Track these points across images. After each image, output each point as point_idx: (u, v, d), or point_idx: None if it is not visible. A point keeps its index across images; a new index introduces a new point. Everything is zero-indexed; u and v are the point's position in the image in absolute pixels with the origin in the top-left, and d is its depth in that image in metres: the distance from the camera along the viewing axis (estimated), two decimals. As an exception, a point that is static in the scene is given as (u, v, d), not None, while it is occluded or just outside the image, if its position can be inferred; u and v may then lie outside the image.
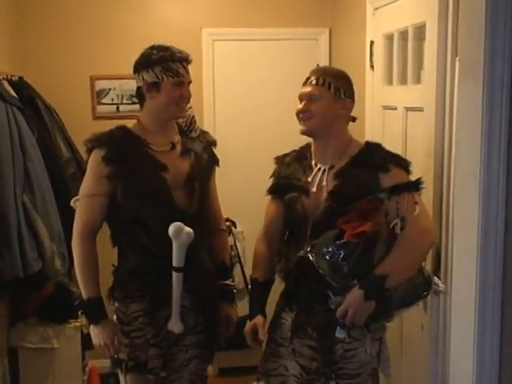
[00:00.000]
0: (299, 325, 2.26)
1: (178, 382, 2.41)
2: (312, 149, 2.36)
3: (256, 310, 2.34)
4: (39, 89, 3.49)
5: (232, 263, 4.11)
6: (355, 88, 2.36)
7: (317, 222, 2.20)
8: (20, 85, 3.30)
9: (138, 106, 2.47)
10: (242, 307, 2.77)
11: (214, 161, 2.57)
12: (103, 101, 3.95)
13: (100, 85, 3.93)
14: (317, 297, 2.19)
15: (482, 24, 1.58)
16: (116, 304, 2.38)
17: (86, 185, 2.33)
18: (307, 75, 2.32)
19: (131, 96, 3.82)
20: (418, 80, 2.73)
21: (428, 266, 2.56)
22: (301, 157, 2.37)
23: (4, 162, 2.88)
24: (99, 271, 2.34)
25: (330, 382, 2.24)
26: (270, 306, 2.42)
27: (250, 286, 2.47)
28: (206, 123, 3.98)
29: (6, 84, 3.14)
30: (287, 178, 2.34)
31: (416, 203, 2.12)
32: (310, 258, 2.10)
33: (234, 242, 3.91)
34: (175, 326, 2.31)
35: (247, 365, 4.16)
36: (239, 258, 3.98)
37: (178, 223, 2.26)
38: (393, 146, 2.91)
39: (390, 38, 3.01)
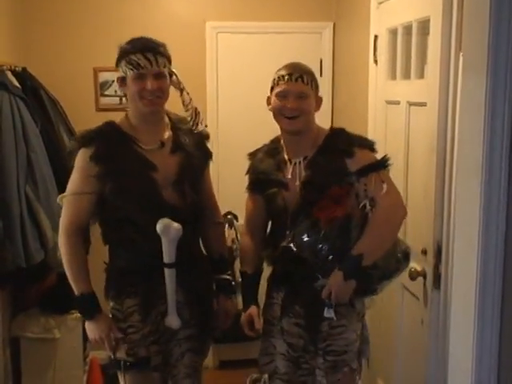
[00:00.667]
0: (288, 304, 2.36)
1: (177, 377, 2.41)
2: (283, 143, 2.40)
3: (249, 301, 2.45)
4: (42, 80, 3.49)
5: (234, 256, 4.12)
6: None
7: (295, 213, 2.29)
8: (23, 75, 3.30)
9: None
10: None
11: (208, 155, 2.52)
12: (106, 93, 3.95)
13: (103, 76, 3.93)
14: (303, 278, 2.29)
15: (486, 19, 1.58)
16: (111, 303, 2.35)
17: (74, 183, 2.29)
18: (281, 72, 2.32)
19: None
20: (421, 75, 2.73)
21: (429, 259, 2.58)
22: (273, 151, 2.42)
23: (7, 153, 2.89)
24: (88, 267, 2.32)
25: (318, 359, 2.33)
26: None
27: (240, 280, 2.55)
28: (209, 117, 3.99)
29: (9, 74, 3.14)
30: (265, 174, 2.40)
31: (383, 181, 2.21)
32: (292, 247, 2.24)
33: (236, 236, 3.91)
34: (173, 321, 2.31)
35: (247, 358, 4.18)
36: (241, 250, 3.99)
37: (166, 219, 2.25)
38: (395, 140, 2.93)
39: (393, 32, 3.01)
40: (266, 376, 3.77)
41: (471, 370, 1.68)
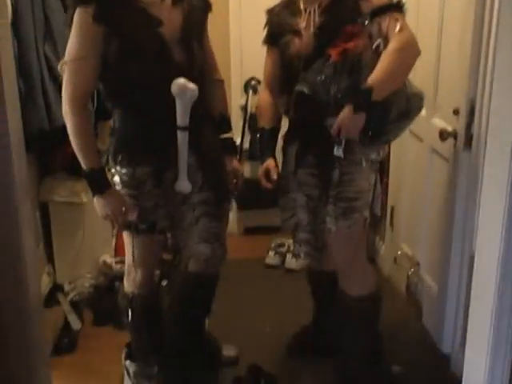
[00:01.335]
0: (302, 155, 2.40)
1: (189, 241, 2.39)
2: None
3: (266, 154, 2.52)
4: None
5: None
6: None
7: (308, 59, 2.30)
8: None
9: None
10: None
11: (207, 7, 2.38)
12: None
13: None
14: (315, 125, 2.32)
15: None
16: (122, 169, 2.26)
17: (74, 47, 2.13)
18: None
19: None
20: None
21: (461, 120, 2.51)
22: (289, 3, 2.44)
23: (22, 11, 2.77)
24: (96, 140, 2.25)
25: (329, 207, 2.35)
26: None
27: (258, 135, 2.62)
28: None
29: None
30: (279, 25, 2.43)
31: (397, 20, 2.18)
32: (305, 90, 2.27)
33: (259, 100, 3.86)
34: (183, 186, 2.27)
35: (271, 224, 4.24)
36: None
37: (181, 80, 2.15)
38: (428, 14, 2.78)
39: None
40: (289, 241, 3.86)
41: (500, 238, 1.64)
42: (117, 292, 3.28)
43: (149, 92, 2.20)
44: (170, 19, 2.20)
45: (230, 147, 2.53)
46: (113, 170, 2.27)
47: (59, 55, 2.88)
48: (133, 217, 2.26)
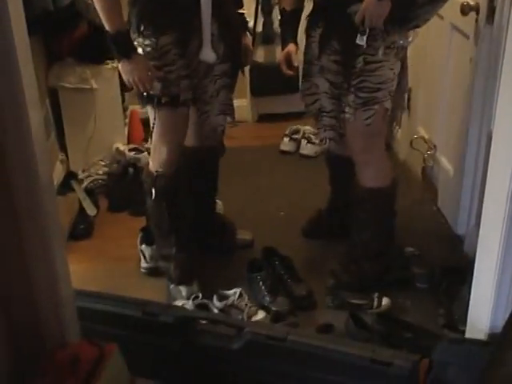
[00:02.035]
0: (326, 40, 2.31)
1: (210, 113, 2.41)
2: None
3: (287, 39, 2.49)
4: None
5: (271, 4, 3.96)
6: None
7: None
8: None
9: None
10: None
11: None
12: None
13: None
14: (340, 9, 2.22)
15: None
16: (145, 40, 2.21)
17: None
18: None
19: None
20: None
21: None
22: None
23: None
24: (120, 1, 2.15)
25: (349, 96, 2.30)
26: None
27: (279, 18, 2.57)
28: None
29: None
30: None
31: None
32: None
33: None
34: (208, 55, 2.25)
35: (286, 111, 4.21)
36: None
37: None
38: None
39: None
40: (304, 127, 3.83)
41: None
42: (131, 179, 3.31)
43: None
44: None
45: (242, 23, 2.50)
46: (135, 43, 2.22)
47: None
48: (156, 90, 2.23)
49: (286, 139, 3.88)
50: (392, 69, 2.27)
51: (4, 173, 1.48)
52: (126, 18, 2.24)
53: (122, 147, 3.53)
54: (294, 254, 2.69)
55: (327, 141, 2.50)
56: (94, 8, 2.72)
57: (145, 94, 2.26)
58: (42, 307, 1.64)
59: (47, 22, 2.92)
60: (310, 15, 2.40)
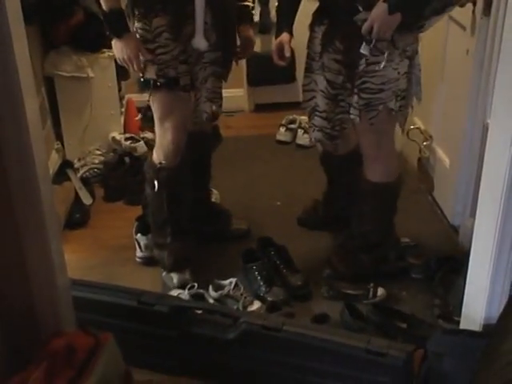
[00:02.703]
0: (328, 38, 2.28)
1: (199, 101, 2.40)
2: None
3: (282, 28, 2.39)
4: None
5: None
6: None
7: None
8: None
9: None
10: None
11: None
12: None
13: None
14: (345, 9, 2.17)
15: None
16: (137, 23, 2.25)
17: None
18: None
19: None
20: None
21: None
22: None
23: None
24: None
25: (353, 97, 2.28)
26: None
27: (276, 4, 2.49)
28: None
29: None
30: None
31: None
32: None
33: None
34: (200, 42, 2.25)
35: (282, 101, 4.20)
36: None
37: None
38: None
39: None
40: (301, 117, 3.82)
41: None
42: (127, 168, 3.31)
43: None
44: None
45: (247, 15, 2.49)
46: (133, 29, 2.25)
47: None
48: (151, 73, 2.25)
49: (282, 129, 3.87)
50: (396, 69, 2.22)
51: (-1, 162, 1.47)
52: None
53: (118, 136, 3.52)
54: (289, 243, 2.69)
55: (314, 140, 2.51)
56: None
57: (141, 78, 2.28)
58: (38, 297, 1.64)
59: (43, 10, 2.90)
60: (316, 12, 2.37)
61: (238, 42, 2.51)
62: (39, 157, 1.59)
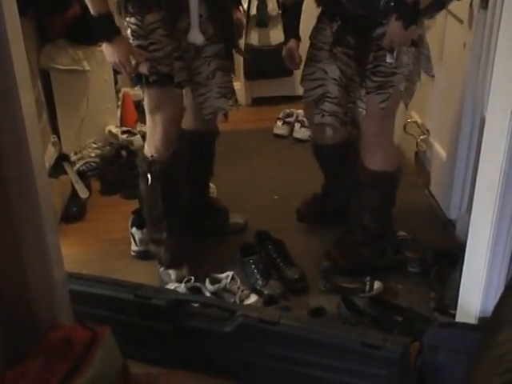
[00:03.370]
0: (341, 33, 2.30)
1: (207, 96, 2.38)
2: None
3: (289, 35, 2.53)
4: None
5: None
6: None
7: None
8: None
9: None
10: (279, 34, 2.88)
11: None
12: None
13: None
14: (364, 33, 2.24)
15: None
16: (130, 18, 2.21)
17: None
18: None
19: None
20: None
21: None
22: None
23: None
24: None
25: (361, 91, 2.30)
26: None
27: (281, 12, 2.59)
28: None
29: None
30: None
31: None
32: None
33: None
34: (196, 37, 2.22)
35: (279, 94, 4.20)
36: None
37: None
38: None
39: None
40: (298, 111, 3.82)
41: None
42: (123, 162, 3.30)
43: None
44: None
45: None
46: (125, 23, 2.22)
47: None
48: (143, 69, 2.22)
49: (279, 123, 3.87)
50: (406, 53, 2.24)
51: (-5, 155, 1.47)
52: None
53: (114, 130, 3.51)
54: (286, 237, 2.69)
55: (327, 127, 2.48)
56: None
57: (133, 74, 2.25)
58: (35, 290, 1.64)
59: (39, 3, 2.89)
60: (326, 10, 2.38)
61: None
62: (35, 150, 1.59)
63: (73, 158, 3.36)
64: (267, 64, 3.82)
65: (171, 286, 2.43)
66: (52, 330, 1.64)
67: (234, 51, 2.46)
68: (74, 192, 3.10)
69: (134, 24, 2.20)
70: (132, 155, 3.28)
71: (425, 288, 2.45)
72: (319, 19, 2.40)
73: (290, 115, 3.91)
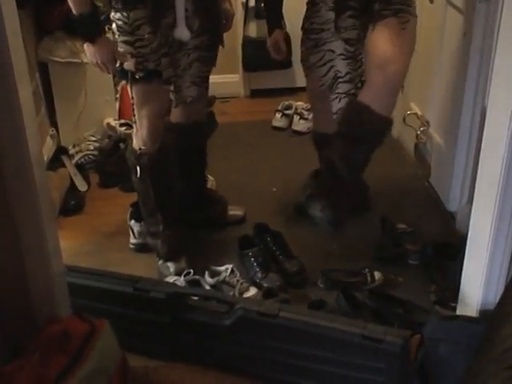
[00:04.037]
0: (342, 2, 2.30)
1: (182, 87, 2.38)
2: None
3: (272, 25, 2.58)
4: None
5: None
6: None
7: None
8: None
9: None
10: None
11: None
12: None
13: None
14: None
15: None
16: (116, 14, 2.17)
17: None
18: None
19: None
20: None
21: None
22: None
23: None
24: None
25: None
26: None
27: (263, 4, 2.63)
28: None
29: None
30: None
31: None
32: None
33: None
34: (182, 33, 2.21)
35: (278, 86, 4.19)
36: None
37: None
38: None
39: None
40: (297, 103, 3.81)
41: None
42: (122, 154, 3.28)
43: None
44: None
45: None
46: (111, 18, 2.20)
47: None
48: (130, 66, 2.19)
49: (278, 115, 3.86)
50: None
51: (-8, 148, 1.46)
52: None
53: (112, 122, 3.50)
54: (285, 230, 2.68)
55: (341, 105, 2.44)
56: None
57: (119, 69, 2.22)
58: (33, 283, 1.64)
59: (38, -2, 2.87)
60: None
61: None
62: (33, 143, 1.58)
63: (71, 150, 3.35)
64: (266, 56, 3.79)
65: (170, 278, 2.42)
66: (50, 324, 1.63)
67: (219, 44, 2.44)
68: (73, 185, 3.09)
69: (120, 20, 2.16)
70: (130, 148, 3.27)
71: (425, 280, 2.44)
72: (311, 3, 2.40)
73: (288, 107, 3.90)
